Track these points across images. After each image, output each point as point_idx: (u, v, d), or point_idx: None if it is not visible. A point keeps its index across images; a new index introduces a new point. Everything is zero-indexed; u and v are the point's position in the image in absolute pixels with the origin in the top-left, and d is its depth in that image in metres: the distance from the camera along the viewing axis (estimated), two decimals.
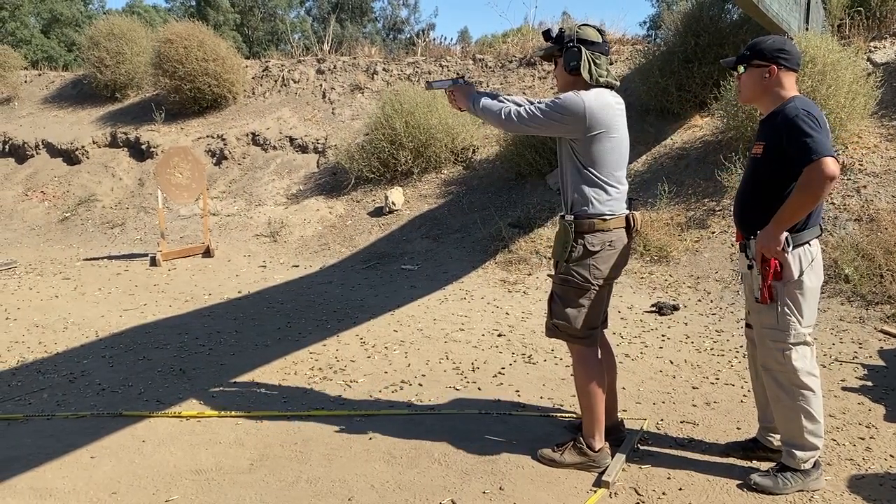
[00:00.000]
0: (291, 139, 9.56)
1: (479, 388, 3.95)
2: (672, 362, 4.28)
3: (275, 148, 9.55)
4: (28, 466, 3.16)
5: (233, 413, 3.69)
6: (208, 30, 10.78)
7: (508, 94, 3.43)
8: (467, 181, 8.02)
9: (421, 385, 4.02)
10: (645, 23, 32.43)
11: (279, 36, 38.23)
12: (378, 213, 7.90)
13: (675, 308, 5.20)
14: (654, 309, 5.23)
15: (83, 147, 10.17)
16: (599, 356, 3.05)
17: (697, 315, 5.12)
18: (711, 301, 5.35)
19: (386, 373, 4.24)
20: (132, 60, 11.27)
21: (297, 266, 7.07)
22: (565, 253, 2.88)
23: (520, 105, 2.94)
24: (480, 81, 9.62)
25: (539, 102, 2.88)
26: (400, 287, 6.15)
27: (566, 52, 2.87)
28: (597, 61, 2.85)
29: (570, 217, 2.88)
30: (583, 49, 2.83)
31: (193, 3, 37.74)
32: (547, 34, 2.94)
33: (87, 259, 7.52)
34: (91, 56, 11.40)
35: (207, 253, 7.40)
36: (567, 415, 3.57)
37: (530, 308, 5.38)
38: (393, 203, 7.81)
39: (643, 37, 11.48)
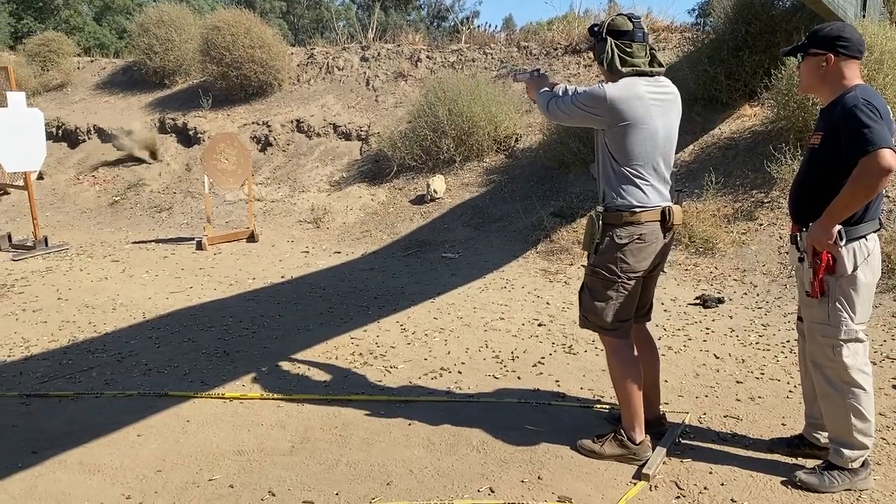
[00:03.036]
0: (335, 126, 9.61)
1: (518, 378, 3.94)
2: (716, 356, 4.21)
3: (319, 135, 9.62)
4: (78, 442, 3.26)
5: (275, 395, 3.74)
6: (255, 17, 10.89)
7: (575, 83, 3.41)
8: (509, 170, 7.98)
9: (460, 373, 4.03)
10: (693, 10, 31.75)
11: (324, 24, 38.45)
12: (419, 200, 7.91)
13: (720, 301, 5.11)
14: (698, 301, 5.15)
15: (132, 132, 10.36)
16: (633, 348, 3.02)
17: (743, 308, 5.02)
18: (758, 295, 5.23)
19: (425, 360, 4.25)
20: (181, 47, 11.45)
21: (338, 252, 7.13)
22: (592, 245, 2.87)
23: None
24: (525, 69, 9.53)
25: (573, 93, 2.88)
26: (440, 275, 6.15)
27: (597, 45, 2.89)
28: (627, 50, 2.80)
29: (600, 208, 2.87)
30: (609, 40, 2.82)
31: None
32: (591, 29, 2.96)
33: (135, 242, 7.69)
34: (141, 43, 11.61)
35: (252, 238, 7.50)
36: (606, 406, 3.54)
37: (571, 298, 5.33)
38: (434, 191, 7.81)
39: (692, 24, 11.25)
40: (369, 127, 9.41)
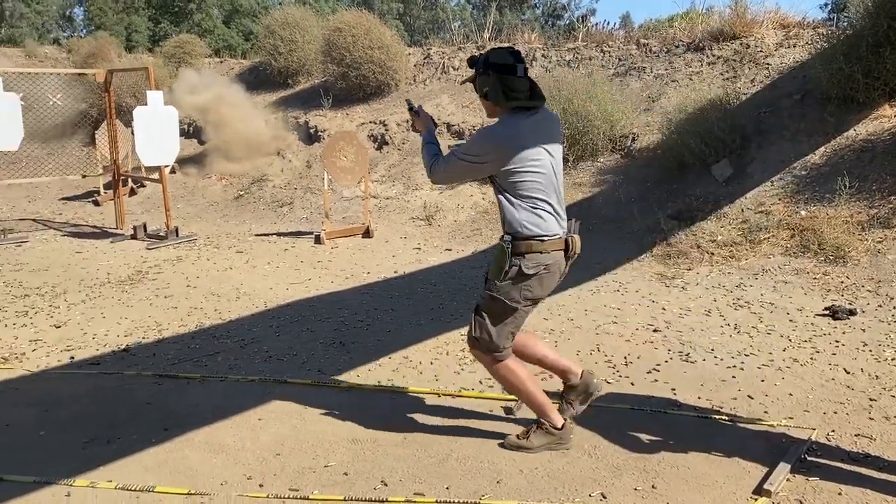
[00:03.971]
0: (449, 125, 9.71)
1: (631, 384, 3.85)
2: (846, 371, 3.95)
3: None
4: (203, 423, 3.45)
5: (388, 387, 3.82)
6: (375, 18, 11.16)
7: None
8: (625, 170, 7.80)
9: None
10: (826, 5, 29.97)
11: (439, 24, 38.96)
12: None
13: (852, 312, 4.79)
14: (827, 312, 4.85)
15: (257, 130, 10.86)
16: (511, 356, 3.07)
17: (877, 322, 4.69)
18: (895, 307, 4.88)
19: None
20: (303, 48, 11.90)
21: (449, 250, 7.19)
22: (500, 273, 2.88)
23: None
24: (644, 67, 9.30)
25: (455, 150, 2.95)
26: None
27: (478, 77, 2.91)
28: (509, 84, 2.83)
29: (507, 238, 2.88)
30: (491, 74, 2.84)
31: None
32: (470, 60, 2.98)
33: (258, 235, 8.05)
34: (267, 44, 12.15)
35: (367, 233, 7.69)
36: (724, 417, 3.40)
37: (689, 304, 5.16)
38: None
39: (824, 20, 10.62)
40: (482, 126, 9.44)
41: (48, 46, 22.61)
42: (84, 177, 9.71)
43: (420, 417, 3.47)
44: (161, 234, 7.93)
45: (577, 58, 10.12)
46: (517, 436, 3.15)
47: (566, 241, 2.93)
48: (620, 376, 3.94)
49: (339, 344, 4.52)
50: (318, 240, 7.52)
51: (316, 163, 9.76)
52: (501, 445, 3.14)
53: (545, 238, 2.87)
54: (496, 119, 2.96)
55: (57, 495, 2.80)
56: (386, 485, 2.87)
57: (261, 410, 3.57)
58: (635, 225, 6.76)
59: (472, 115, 9.79)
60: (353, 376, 4.01)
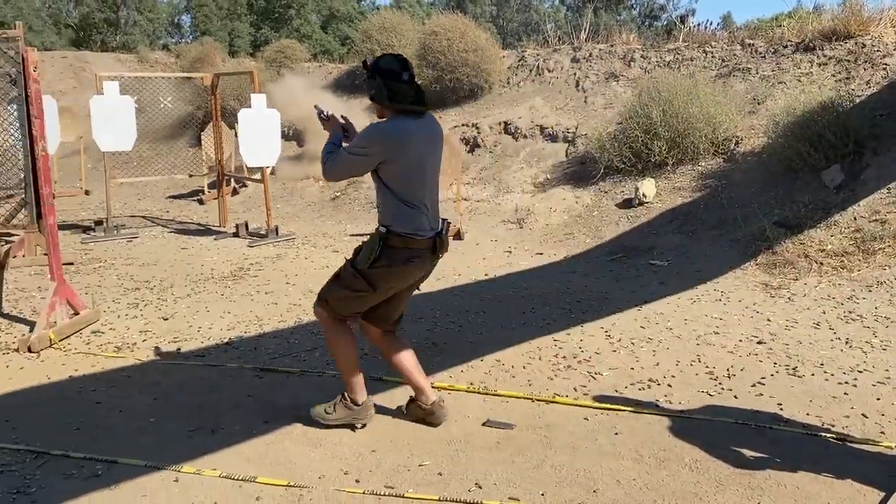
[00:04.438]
0: (542, 128, 9.64)
1: (735, 397, 3.69)
2: None
3: (525, 136, 9.69)
4: (301, 417, 3.52)
5: (480, 389, 3.81)
6: (470, 21, 11.20)
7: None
8: (727, 174, 7.52)
9: (670, 386, 3.85)
10: None
11: (532, 26, 38.79)
12: (627, 204, 7.70)
13: None
14: None
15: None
16: (346, 325, 3.30)
17: None
18: None
19: (632, 369, 4.12)
20: (399, 52, 12.05)
21: (541, 253, 7.13)
22: (369, 260, 3.07)
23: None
24: (749, 68, 8.95)
25: (346, 147, 3.14)
26: (647, 282, 5.94)
27: (367, 81, 3.10)
28: (394, 88, 3.01)
29: (382, 229, 3.06)
30: (377, 78, 3.03)
31: None
32: (363, 64, 3.16)
33: (352, 234, 8.20)
34: (364, 48, 12.38)
35: (458, 236, 7.72)
36: (831, 435, 3.21)
37: (796, 316, 4.92)
38: (643, 195, 7.57)
39: None
40: (577, 128, 9.32)
41: (158, 52, 23.83)
42: (190, 176, 10.17)
43: (514, 421, 3.44)
44: (262, 232, 8.20)
45: (677, 59, 9.84)
46: (325, 408, 3.37)
47: (434, 240, 3.13)
48: (723, 389, 3.79)
49: (432, 344, 4.54)
50: None
51: None
52: (309, 417, 3.37)
53: (416, 236, 3.08)
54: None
55: (166, 480, 2.92)
56: (480, 487, 2.85)
57: None
58: (738, 232, 6.50)
59: (566, 117, 9.68)
60: (445, 377, 4.02)
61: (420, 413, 3.42)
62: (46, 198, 4.59)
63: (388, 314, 3.36)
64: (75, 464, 3.04)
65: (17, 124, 4.73)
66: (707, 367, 4.10)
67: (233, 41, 32.25)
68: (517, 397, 3.72)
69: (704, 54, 9.68)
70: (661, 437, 3.25)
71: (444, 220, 3.25)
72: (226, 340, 4.70)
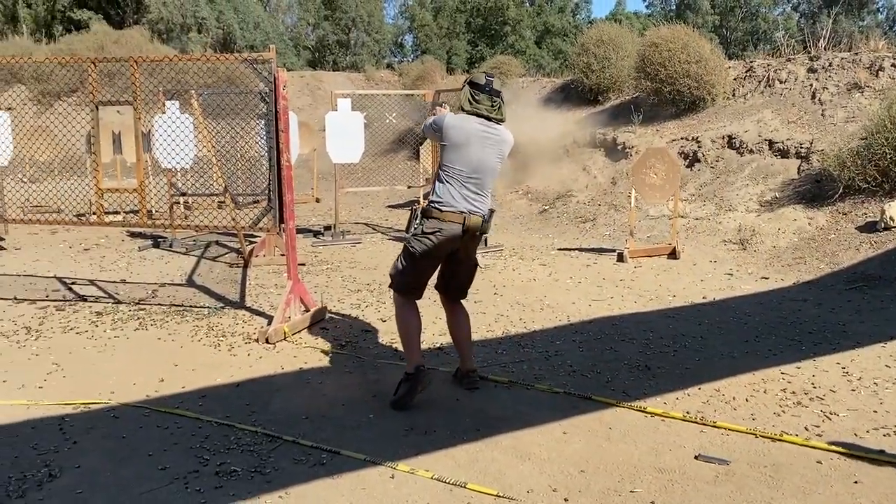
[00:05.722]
0: (771, 143, 8.97)
1: None
2: None
3: (751, 151, 9.08)
4: (510, 428, 3.53)
5: (697, 419, 3.60)
6: (693, 32, 10.74)
7: None
8: None
9: None
10: None
11: (759, 35, 36.38)
12: (869, 228, 6.92)
13: None
14: None
15: (565, 146, 11.08)
16: (413, 306, 3.92)
17: None
18: None
19: (875, 412, 3.68)
20: (616, 65, 11.87)
21: (766, 278, 6.61)
22: (409, 225, 3.58)
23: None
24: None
25: (431, 122, 3.92)
26: (894, 316, 5.29)
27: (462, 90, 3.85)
28: (475, 97, 3.75)
29: (424, 201, 3.49)
30: (465, 87, 3.83)
31: (673, 8, 38.22)
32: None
33: (560, 249, 8.16)
34: (579, 62, 12.34)
35: (673, 254, 7.39)
36: None
37: None
38: (891, 218, 6.76)
39: None
40: (811, 144, 8.57)
41: (383, 71, 25.44)
42: (409, 187, 10.70)
43: (733, 457, 3.21)
44: None
45: None
46: (394, 395, 3.82)
47: (464, 216, 3.66)
48: None
49: (645, 367, 4.37)
50: (620, 258, 7.40)
51: (621, 179, 9.65)
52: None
53: (444, 208, 3.66)
54: None
55: (383, 476, 3.07)
56: None
57: (566, 424, 3.57)
58: None
59: (799, 131, 8.94)
60: (658, 403, 3.84)
61: (457, 377, 4.09)
62: (289, 204, 5.04)
63: (447, 284, 4.03)
64: (303, 451, 3.29)
65: (264, 138, 5.24)
66: None
67: (450, 59, 33.57)
68: (739, 431, 3.47)
69: None
70: None
71: (491, 210, 3.84)
72: (437, 346, 4.85)
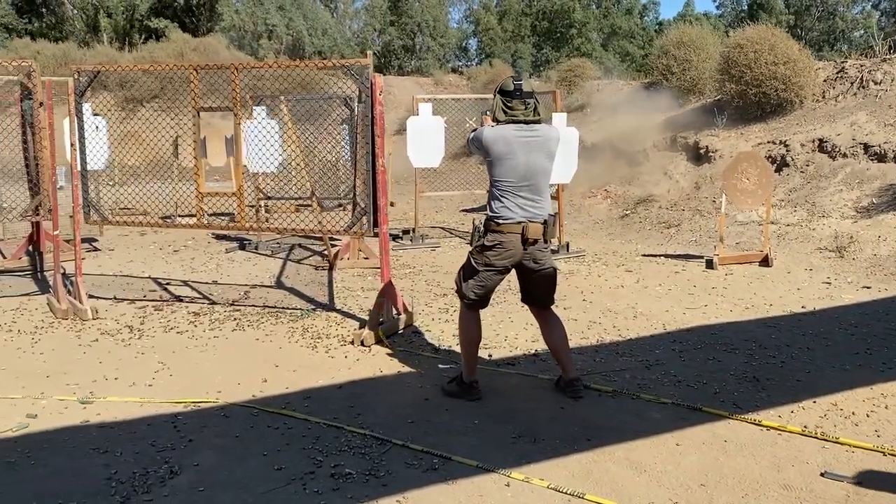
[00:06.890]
0: (866, 146, 8.61)
1: None
2: None
3: (844, 155, 8.73)
4: (620, 439, 3.45)
5: (818, 434, 3.45)
6: (782, 32, 10.42)
7: None
8: None
9: None
10: None
11: (836, 35, 35.10)
12: None
13: None
14: None
15: (644, 150, 10.87)
16: (477, 317, 3.97)
17: None
18: None
19: None
20: (698, 67, 11.60)
21: (868, 287, 6.33)
22: (472, 239, 3.83)
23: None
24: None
25: (472, 137, 3.89)
26: None
27: (493, 99, 3.81)
28: (508, 104, 3.71)
29: (484, 217, 3.80)
30: (497, 96, 3.76)
31: (745, 8, 37.21)
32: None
33: (645, 255, 8.00)
34: (659, 64, 12.10)
35: (765, 262, 7.16)
36: None
37: None
38: None
39: None
40: None
41: (451, 75, 25.53)
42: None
43: (862, 475, 3.05)
44: (553, 248, 8.30)
45: None
46: (449, 378, 4.04)
47: (523, 226, 3.66)
48: None
49: (753, 379, 4.22)
50: (710, 264, 7.21)
51: (705, 184, 9.41)
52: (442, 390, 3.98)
53: (501, 221, 3.68)
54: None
55: (498, 483, 3.03)
56: None
57: (678, 435, 3.47)
58: None
59: (895, 133, 8.55)
60: (772, 416, 3.70)
61: (559, 386, 4.03)
62: (383, 208, 5.07)
63: (528, 295, 4.03)
64: (414, 455, 3.28)
65: (348, 142, 5.28)
66: None
67: (514, 62, 33.45)
68: (865, 448, 3.30)
69: None
70: None
71: (551, 214, 3.80)
72: (532, 352, 4.79)
